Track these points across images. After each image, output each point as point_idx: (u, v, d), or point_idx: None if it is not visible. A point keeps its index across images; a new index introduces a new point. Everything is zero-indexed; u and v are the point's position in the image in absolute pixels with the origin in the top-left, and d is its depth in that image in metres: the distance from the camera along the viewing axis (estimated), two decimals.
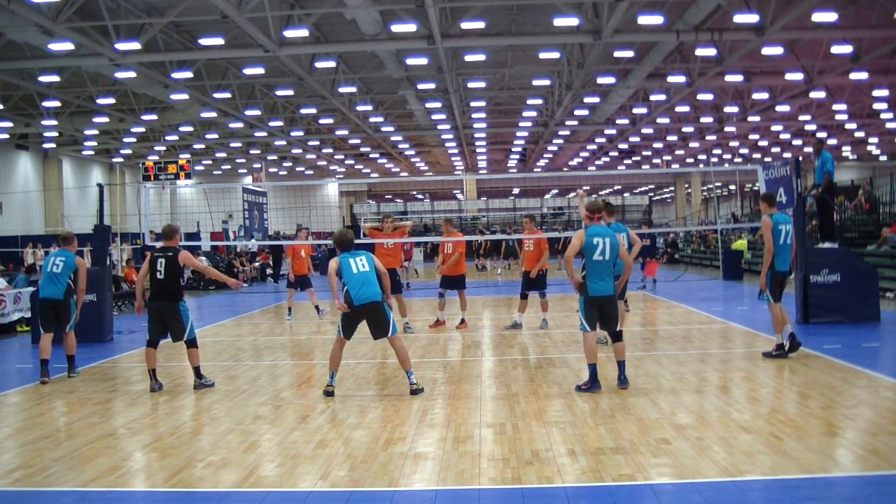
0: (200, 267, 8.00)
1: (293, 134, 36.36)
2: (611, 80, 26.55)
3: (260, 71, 23.68)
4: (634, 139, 42.80)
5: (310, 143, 40.40)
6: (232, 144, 41.41)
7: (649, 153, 50.61)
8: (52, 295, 8.59)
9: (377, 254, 11.72)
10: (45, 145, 38.08)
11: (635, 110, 33.27)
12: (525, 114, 35.12)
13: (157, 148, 40.69)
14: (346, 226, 44.60)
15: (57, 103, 27.85)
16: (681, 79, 25.68)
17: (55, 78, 23.54)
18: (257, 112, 30.45)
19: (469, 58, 23.18)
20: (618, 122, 36.42)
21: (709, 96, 30.74)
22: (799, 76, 24.96)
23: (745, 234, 26.97)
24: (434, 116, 34.40)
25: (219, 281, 8.16)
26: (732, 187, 54.76)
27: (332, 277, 7.26)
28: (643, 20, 18.20)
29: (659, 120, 35.51)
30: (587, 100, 30.56)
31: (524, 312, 11.75)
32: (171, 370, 9.00)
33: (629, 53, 22.98)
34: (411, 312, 12.92)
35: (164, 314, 7.77)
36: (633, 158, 53.11)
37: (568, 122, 36.21)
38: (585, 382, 7.07)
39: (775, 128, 39.69)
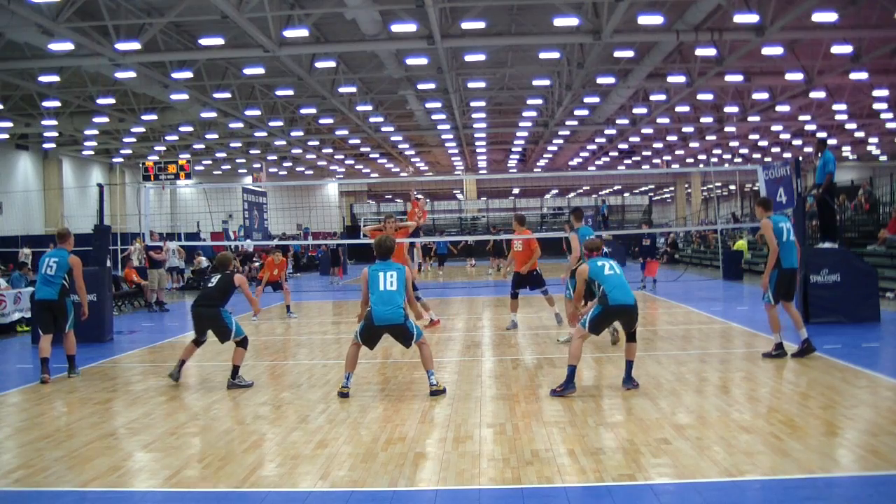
0: (247, 293, 8.20)
1: (293, 134, 36.38)
2: (611, 80, 26.56)
3: (260, 71, 23.69)
4: (634, 139, 42.80)
5: (310, 143, 40.42)
6: (232, 144, 41.43)
7: (649, 153, 50.62)
8: (47, 296, 8.54)
9: None
10: (45, 145, 38.10)
11: (635, 110, 33.27)
12: (525, 114, 35.13)
13: (157, 148, 40.71)
14: (346, 226, 44.58)
15: (57, 103, 27.87)
16: (681, 79, 25.68)
17: (55, 78, 23.55)
18: (257, 112, 30.46)
19: (469, 58, 23.19)
20: (618, 122, 36.42)
21: (709, 96, 30.75)
22: (799, 76, 24.96)
23: (745, 234, 26.98)
24: (434, 116, 34.41)
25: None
26: (732, 187, 54.78)
27: (364, 286, 7.28)
28: (643, 20, 18.21)
29: (659, 120, 35.51)
30: (587, 100, 30.57)
31: (517, 311, 11.79)
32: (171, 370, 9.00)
33: (629, 53, 22.98)
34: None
35: (204, 319, 7.89)
36: (633, 158, 53.11)
37: (568, 122, 36.22)
38: (560, 385, 6.86)
39: (775, 128, 39.69)
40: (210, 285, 7.99)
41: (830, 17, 17.83)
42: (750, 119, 34.41)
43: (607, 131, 39.76)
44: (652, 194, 65.13)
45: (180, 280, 22.94)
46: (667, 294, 17.01)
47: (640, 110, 33.14)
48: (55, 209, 39.03)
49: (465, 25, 18.78)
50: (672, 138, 43.23)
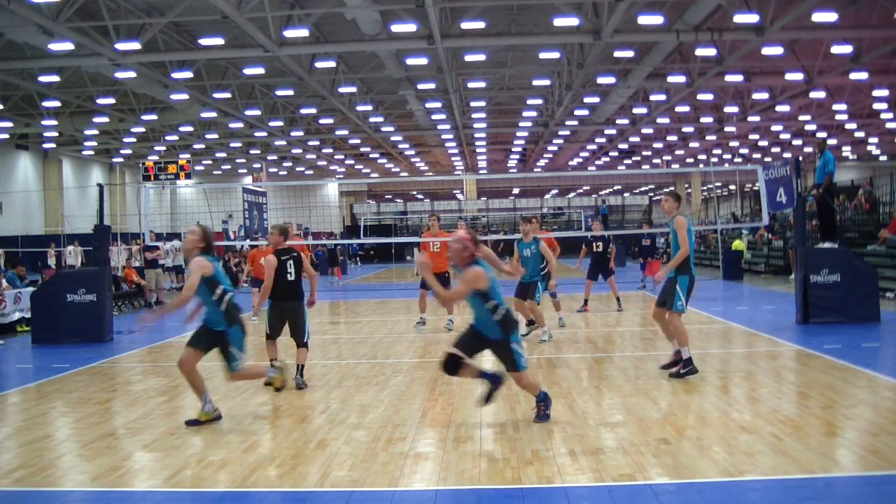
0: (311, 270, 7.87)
1: (293, 134, 36.37)
2: (611, 80, 26.55)
3: (260, 71, 23.69)
4: (634, 139, 42.80)
5: (310, 143, 40.41)
6: (232, 144, 41.42)
7: (649, 153, 50.60)
8: None
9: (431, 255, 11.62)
10: (45, 145, 38.09)
11: (635, 110, 33.27)
12: (525, 114, 35.12)
13: (157, 148, 40.70)
14: (346, 226, 44.43)
15: (57, 103, 27.87)
16: (681, 79, 25.68)
17: (55, 78, 23.55)
18: (257, 112, 30.45)
19: (469, 58, 23.18)
20: (618, 122, 36.41)
21: (709, 96, 30.74)
22: (799, 76, 24.96)
23: (745, 235, 26.98)
24: (434, 116, 34.41)
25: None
26: (732, 187, 54.75)
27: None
28: (643, 20, 18.21)
29: (659, 120, 35.51)
30: (587, 100, 30.56)
31: (560, 311, 12.12)
32: (171, 370, 9.00)
33: (629, 53, 22.98)
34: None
35: (287, 314, 7.70)
36: (633, 158, 53.11)
37: (568, 122, 36.21)
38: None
39: (775, 128, 39.68)
40: (291, 278, 7.58)
41: (830, 17, 17.83)
42: (750, 119, 34.40)
43: (607, 131, 39.75)
44: (652, 194, 65.06)
45: (181, 280, 22.94)
46: None
47: (640, 110, 33.13)
48: (55, 209, 39.02)
49: (465, 25, 18.78)
50: (672, 138, 43.23)
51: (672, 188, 10.55)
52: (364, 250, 41.77)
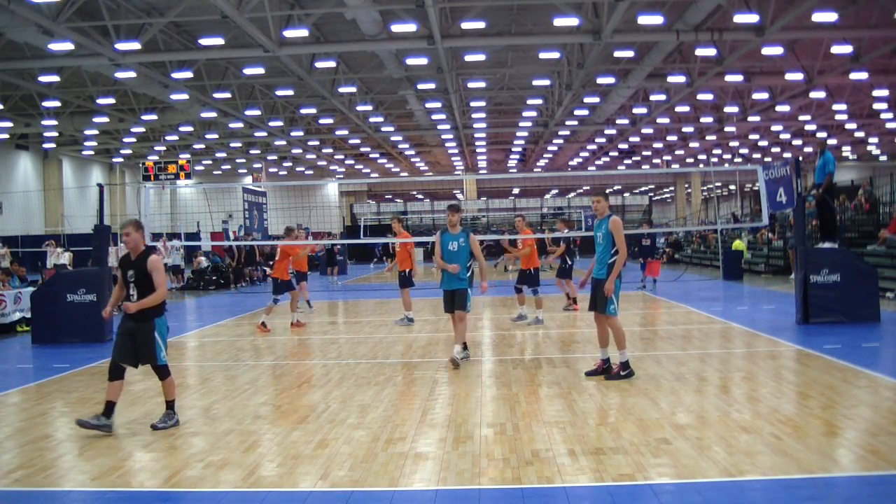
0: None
1: (293, 134, 36.39)
2: (611, 80, 26.56)
3: (260, 71, 23.70)
4: (634, 139, 42.82)
5: (310, 143, 40.43)
6: (232, 144, 41.45)
7: (649, 153, 50.62)
8: None
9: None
10: (45, 145, 38.13)
11: (635, 110, 33.29)
12: (525, 114, 35.14)
13: (157, 148, 40.74)
14: (346, 226, 44.32)
15: (57, 103, 27.89)
16: (681, 79, 25.69)
17: (55, 78, 23.57)
18: (257, 112, 30.46)
19: (469, 58, 23.19)
20: (618, 122, 36.44)
21: (709, 96, 30.76)
22: (799, 76, 24.98)
23: (746, 235, 26.97)
24: (434, 116, 34.41)
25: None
26: (732, 187, 54.79)
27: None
28: (643, 20, 18.22)
29: (659, 120, 35.53)
30: (587, 100, 30.57)
31: (524, 305, 12.56)
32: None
33: (629, 53, 23.00)
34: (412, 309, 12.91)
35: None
36: (633, 158, 53.13)
37: (568, 122, 36.23)
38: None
39: (775, 128, 39.72)
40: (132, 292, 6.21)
41: (830, 17, 17.85)
42: (750, 119, 34.42)
43: (607, 131, 39.77)
44: (652, 194, 65.11)
45: (181, 280, 22.96)
46: (667, 294, 17.01)
47: (640, 110, 33.14)
48: (55, 209, 39.06)
49: (465, 25, 18.79)
50: (672, 138, 43.24)
51: (603, 189, 10.76)
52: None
